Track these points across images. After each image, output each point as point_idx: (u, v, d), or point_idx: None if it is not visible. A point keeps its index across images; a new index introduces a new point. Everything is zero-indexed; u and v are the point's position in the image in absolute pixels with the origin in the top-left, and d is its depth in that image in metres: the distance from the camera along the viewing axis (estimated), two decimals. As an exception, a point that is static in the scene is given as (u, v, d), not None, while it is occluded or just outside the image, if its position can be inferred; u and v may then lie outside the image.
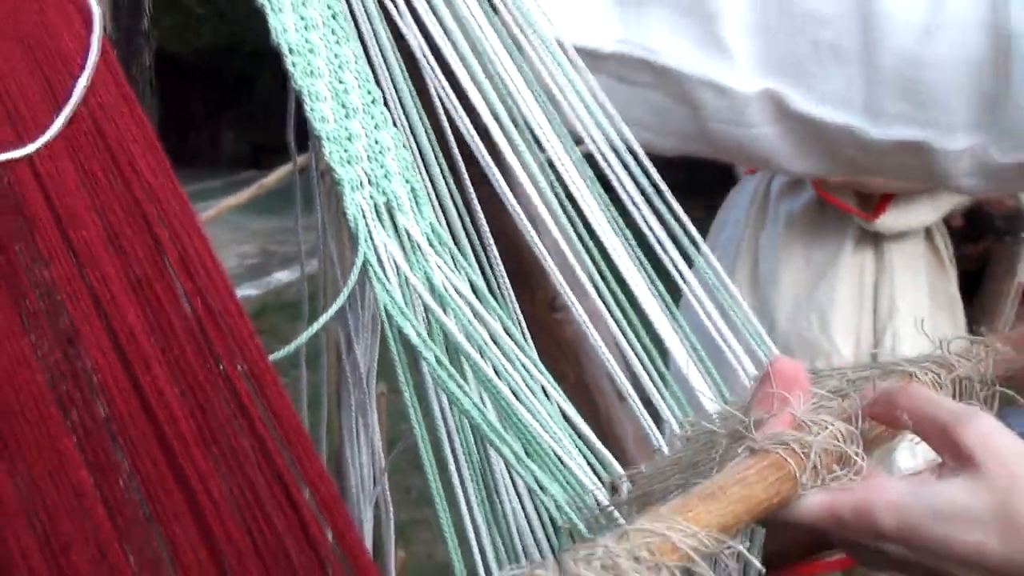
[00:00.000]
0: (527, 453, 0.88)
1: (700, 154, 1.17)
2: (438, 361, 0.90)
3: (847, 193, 2.26)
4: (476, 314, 0.93)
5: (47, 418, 0.72)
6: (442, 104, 1.00)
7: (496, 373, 0.91)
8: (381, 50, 1.00)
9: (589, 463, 0.89)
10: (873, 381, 0.89)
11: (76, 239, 0.77)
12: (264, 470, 0.78)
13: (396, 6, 1.01)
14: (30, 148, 0.78)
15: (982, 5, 1.04)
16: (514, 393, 0.90)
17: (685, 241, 1.02)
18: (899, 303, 2.27)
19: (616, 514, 0.85)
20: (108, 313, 0.76)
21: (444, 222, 0.99)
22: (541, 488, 0.87)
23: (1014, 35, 1.03)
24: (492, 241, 0.99)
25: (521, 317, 0.99)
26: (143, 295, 0.78)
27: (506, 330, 0.94)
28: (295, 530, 0.77)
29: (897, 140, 1.08)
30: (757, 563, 0.77)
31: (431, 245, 0.96)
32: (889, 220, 2.25)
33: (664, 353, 0.98)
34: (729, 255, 2.37)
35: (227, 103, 10.22)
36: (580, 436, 0.91)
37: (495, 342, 0.92)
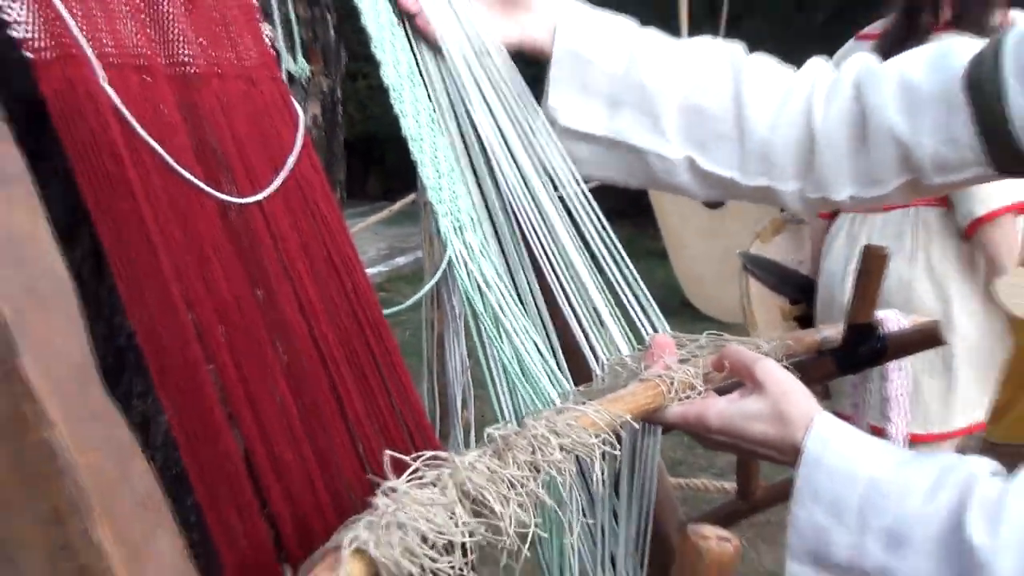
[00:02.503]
0: (523, 373, 0.95)
1: (651, 188, 1.22)
2: (486, 317, 0.95)
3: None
4: (503, 292, 0.99)
5: (267, 354, 0.74)
6: (476, 168, 1.05)
7: (511, 325, 0.96)
8: (455, 141, 1.05)
9: (551, 382, 0.96)
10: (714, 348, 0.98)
11: (284, 250, 0.80)
12: (380, 384, 0.82)
13: (468, 115, 1.05)
14: (260, 196, 0.79)
15: (802, 111, 1.11)
16: (518, 337, 0.96)
17: (611, 246, 1.07)
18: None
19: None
20: (299, 292, 0.79)
21: (492, 237, 1.04)
22: (527, 391, 0.93)
23: (816, 129, 1.10)
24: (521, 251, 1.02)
25: (539, 289, 1.03)
26: (320, 280, 0.81)
27: (514, 302, 0.99)
28: (397, 420, 0.81)
29: (756, 185, 1.14)
30: (636, 424, 0.83)
31: (482, 252, 1.00)
32: None
33: (602, 320, 1.03)
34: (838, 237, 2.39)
35: (371, 165, 10.65)
36: (550, 367, 0.97)
37: (510, 308, 0.98)
